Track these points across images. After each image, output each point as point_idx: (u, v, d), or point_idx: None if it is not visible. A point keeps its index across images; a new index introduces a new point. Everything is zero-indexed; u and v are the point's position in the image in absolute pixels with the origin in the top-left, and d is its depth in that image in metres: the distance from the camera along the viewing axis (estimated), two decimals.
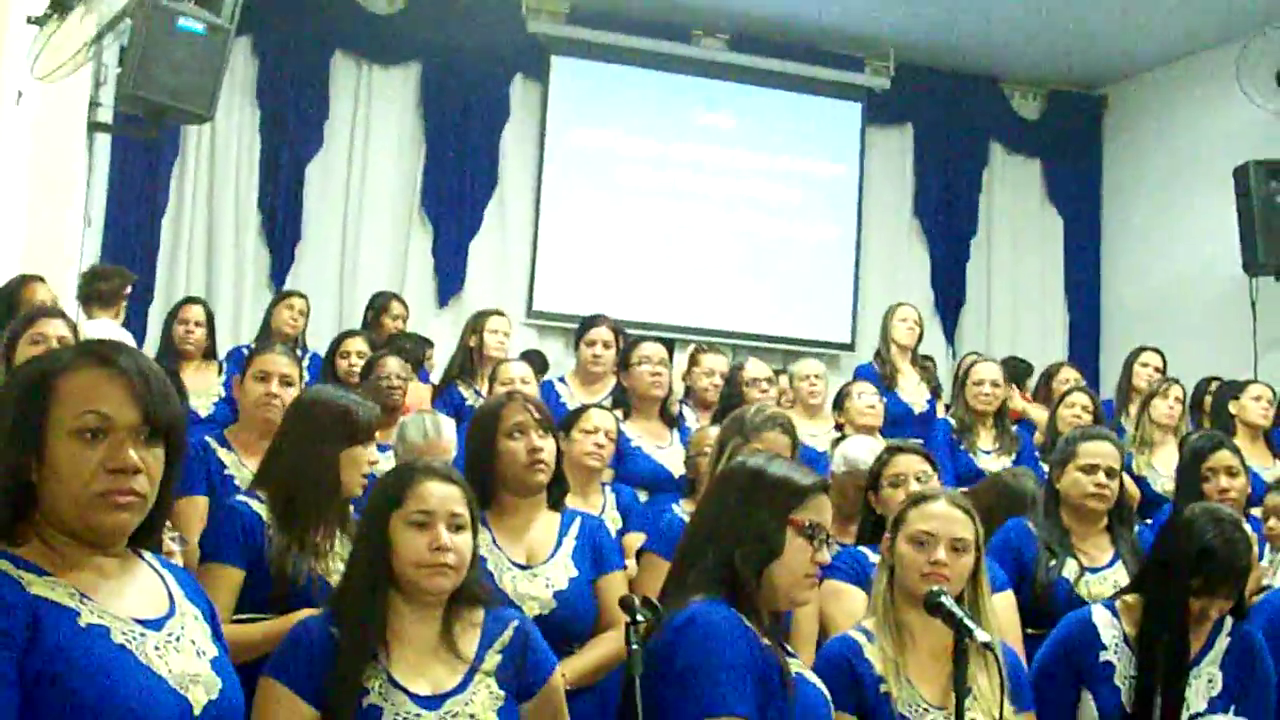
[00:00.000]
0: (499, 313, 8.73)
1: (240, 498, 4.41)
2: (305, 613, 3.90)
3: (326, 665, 3.24)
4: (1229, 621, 4.32)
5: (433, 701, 3.31)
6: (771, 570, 3.41)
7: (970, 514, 3.99)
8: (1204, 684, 4.16)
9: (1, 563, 2.46)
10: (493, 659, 3.43)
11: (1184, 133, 13.18)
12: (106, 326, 7.66)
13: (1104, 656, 4.21)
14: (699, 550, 3.48)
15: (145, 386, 2.54)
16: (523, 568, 4.40)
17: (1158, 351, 9.22)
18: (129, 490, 2.47)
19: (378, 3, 12.27)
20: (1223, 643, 4.25)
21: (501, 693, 3.39)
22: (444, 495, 3.49)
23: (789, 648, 3.56)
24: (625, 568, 4.71)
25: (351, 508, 4.47)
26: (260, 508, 4.32)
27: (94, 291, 8.15)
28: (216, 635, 2.74)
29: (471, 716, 3.33)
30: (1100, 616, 4.30)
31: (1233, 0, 11.70)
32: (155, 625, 2.59)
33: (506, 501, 4.55)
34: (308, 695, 3.23)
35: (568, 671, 3.92)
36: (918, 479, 5.15)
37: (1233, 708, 4.13)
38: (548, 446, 4.55)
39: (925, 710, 3.77)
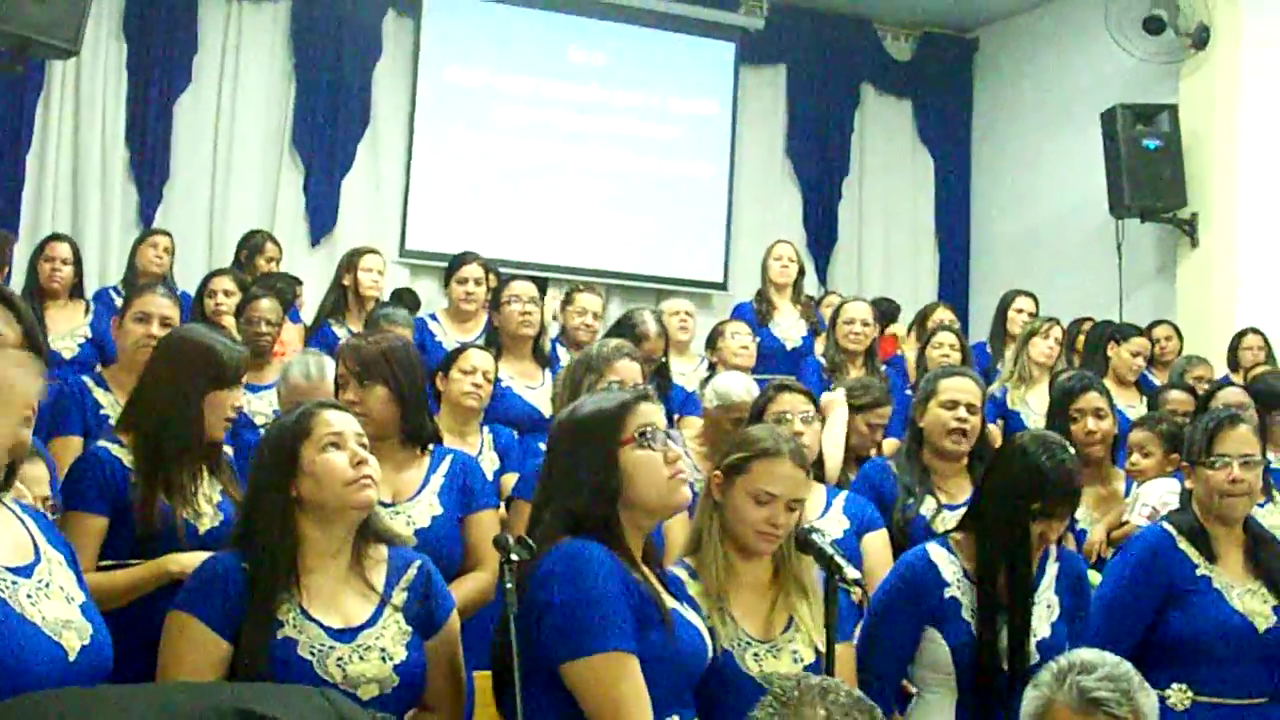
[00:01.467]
0: (373, 251, 8.69)
1: (102, 443, 4.35)
2: (173, 558, 3.89)
3: (239, 599, 3.25)
4: (1054, 549, 4.41)
5: (345, 634, 3.35)
6: (628, 499, 3.44)
7: (808, 469, 4.01)
8: (1044, 609, 4.24)
9: None
10: (400, 595, 3.48)
11: (1053, 76, 13.33)
12: None
13: (948, 593, 4.23)
14: (543, 509, 3.51)
15: (26, 312, 2.52)
16: (386, 505, 4.36)
17: (1031, 296, 9.37)
18: None
19: None
20: (1053, 568, 4.34)
21: (409, 628, 3.43)
22: (348, 421, 3.55)
23: (662, 584, 3.59)
24: (497, 506, 4.72)
25: (227, 450, 4.47)
26: (121, 452, 4.27)
27: None
28: (80, 581, 2.72)
29: (383, 649, 3.38)
30: (938, 554, 4.34)
31: None
32: (25, 572, 2.57)
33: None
34: (221, 629, 3.24)
35: None
36: (802, 418, 5.21)
37: (1067, 629, 4.23)
38: (369, 397, 4.48)
39: (748, 644, 3.80)
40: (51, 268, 8.01)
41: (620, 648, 3.25)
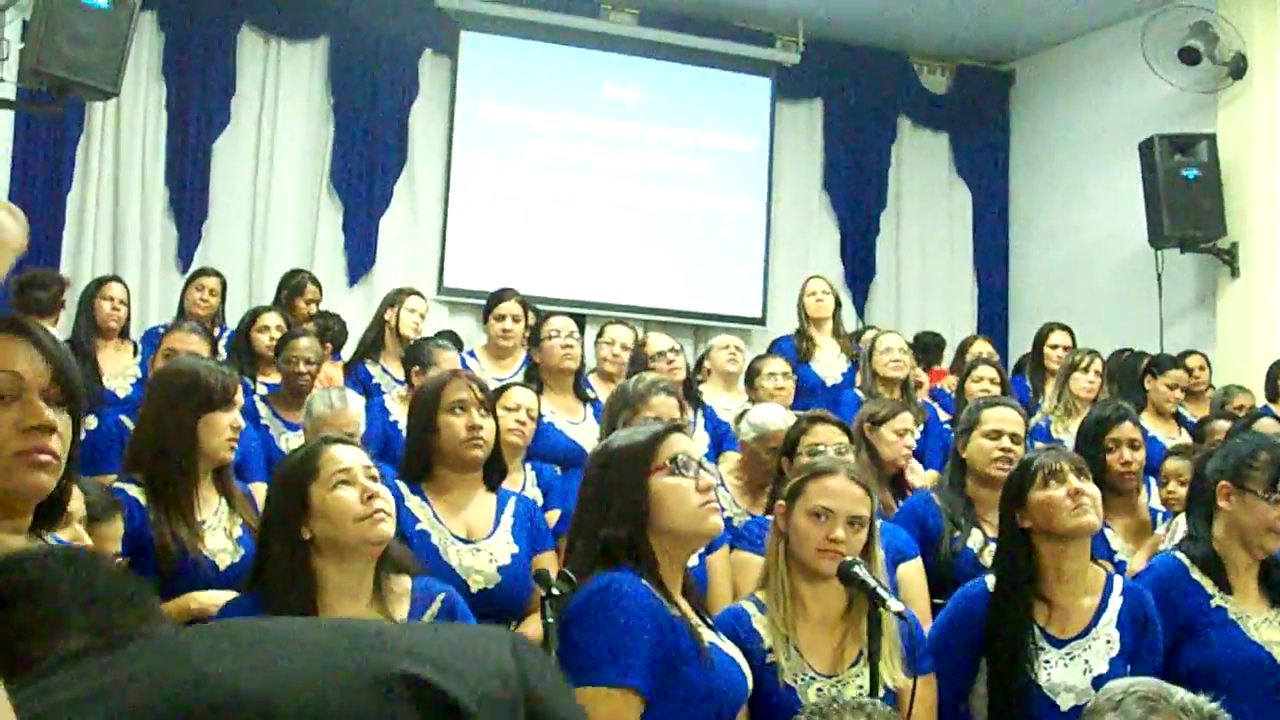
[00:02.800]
0: (417, 292, 8.71)
1: (119, 484, 4.38)
2: (194, 596, 3.90)
3: None
4: (1119, 581, 4.36)
5: None
6: (658, 526, 3.44)
7: (868, 490, 4.01)
8: (1103, 645, 4.17)
9: None
10: None
11: (1090, 108, 13.31)
12: None
13: None
14: (581, 533, 3.51)
15: (55, 350, 2.51)
16: (466, 542, 4.42)
17: (1066, 329, 9.35)
18: (47, 449, 2.44)
19: None
20: (1116, 602, 4.27)
21: None
22: (355, 455, 3.55)
23: (701, 618, 3.58)
24: (557, 547, 4.72)
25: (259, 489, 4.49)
26: (138, 491, 4.30)
27: (31, 300, 7.85)
28: None
29: None
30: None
31: None
32: None
33: (444, 477, 4.60)
34: None
35: None
36: (837, 450, 5.20)
37: (1129, 666, 4.14)
38: (488, 425, 4.59)
39: (813, 679, 3.78)
40: (111, 307, 8.10)
41: (624, 684, 3.23)
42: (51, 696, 1.15)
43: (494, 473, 4.70)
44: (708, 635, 3.48)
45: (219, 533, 4.27)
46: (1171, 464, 6.32)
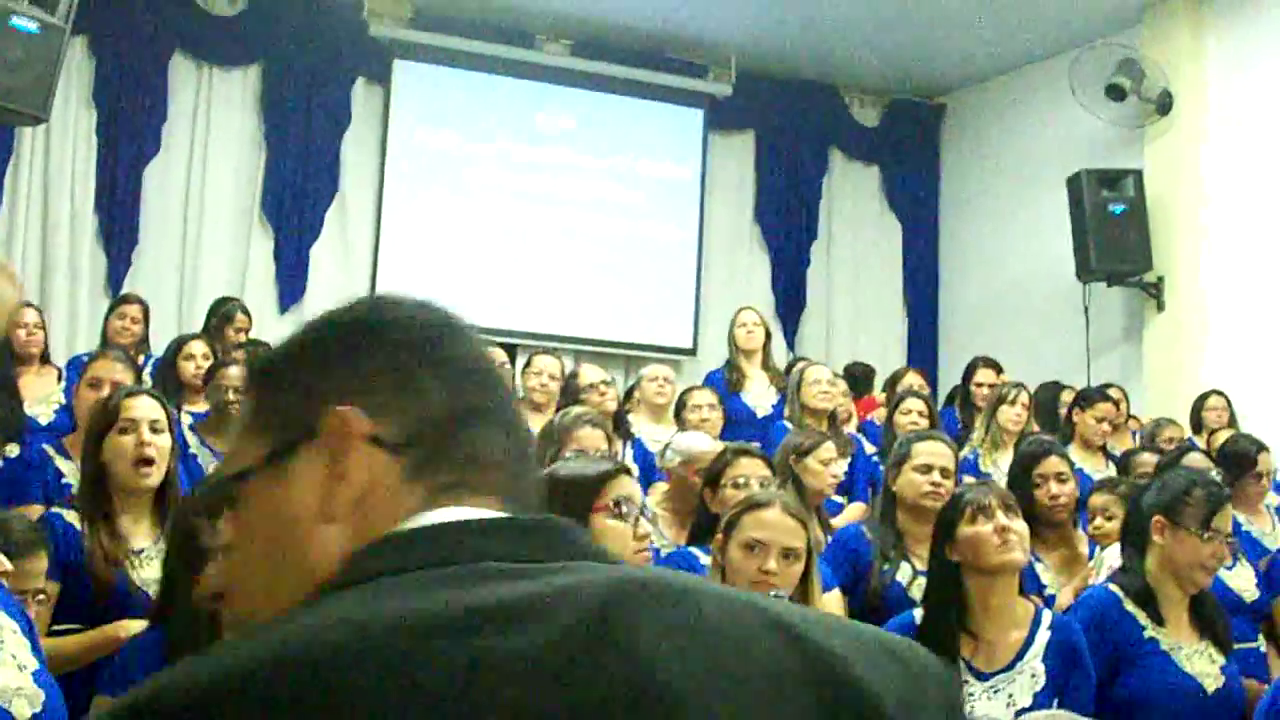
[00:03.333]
0: None
1: (56, 509, 4.37)
2: (124, 624, 3.87)
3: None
4: (1048, 615, 4.39)
5: None
6: None
7: (803, 521, 4.03)
8: (1028, 679, 4.18)
9: None
10: None
11: (1019, 141, 13.44)
12: None
13: None
14: None
15: None
16: None
17: (992, 365, 9.42)
18: None
19: (218, 3, 12.10)
20: (1043, 636, 4.29)
21: None
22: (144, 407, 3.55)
23: None
24: None
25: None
26: (73, 517, 4.31)
27: None
28: (35, 647, 2.70)
29: None
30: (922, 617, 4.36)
31: (1066, 13, 11.95)
32: None
33: None
34: None
35: None
36: (760, 483, 5.21)
37: (1055, 701, 4.16)
38: None
39: None
40: (26, 333, 7.98)
41: None
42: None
43: None
44: None
45: (154, 563, 4.24)
46: (1098, 498, 6.36)
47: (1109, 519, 6.15)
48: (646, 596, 1.15)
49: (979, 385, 9.22)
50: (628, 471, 3.64)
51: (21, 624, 2.71)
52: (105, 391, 5.38)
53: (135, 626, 3.92)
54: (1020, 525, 4.33)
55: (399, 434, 1.27)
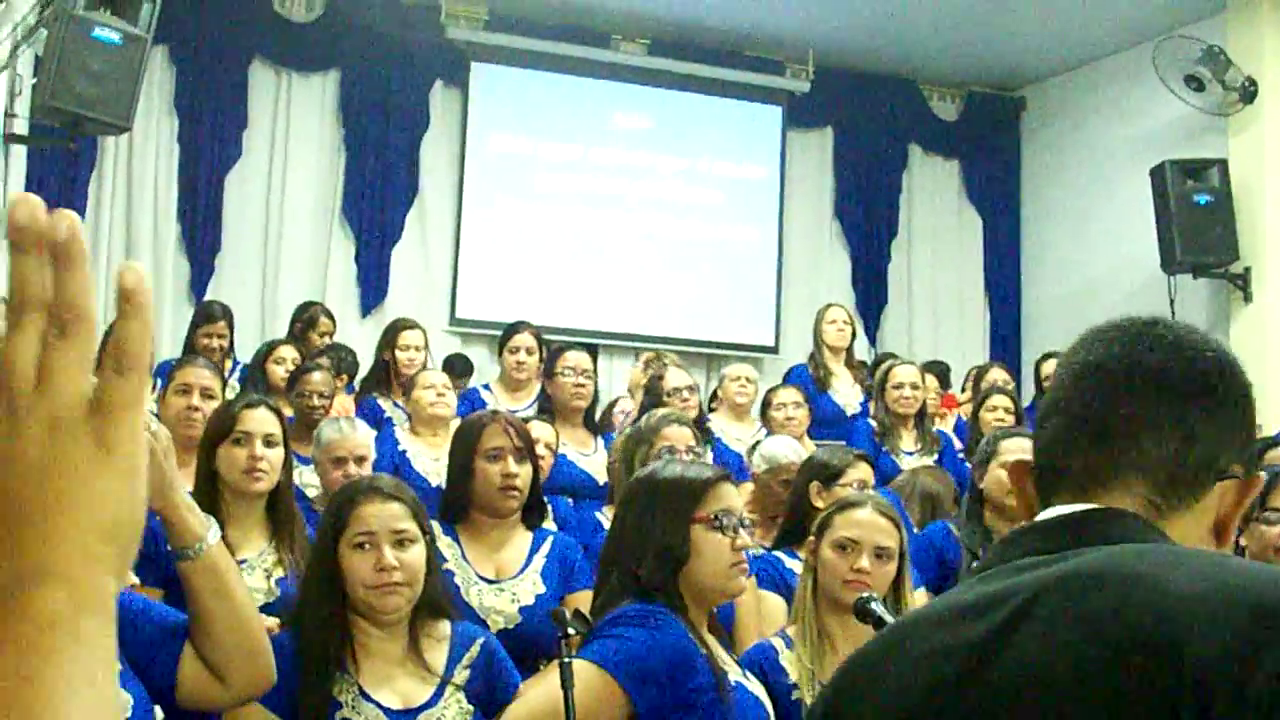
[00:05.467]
0: (410, 325, 8.68)
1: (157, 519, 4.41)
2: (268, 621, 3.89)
3: (294, 679, 3.22)
4: None
5: (405, 715, 3.35)
6: (689, 573, 3.44)
7: (895, 522, 4.02)
8: None
9: None
10: (462, 673, 3.47)
11: (1100, 133, 13.31)
12: None
13: None
14: (611, 568, 3.51)
15: None
16: (490, 582, 4.46)
17: (1058, 356, 9.29)
18: None
19: (296, 10, 12.19)
20: None
21: (470, 706, 3.42)
22: (385, 514, 3.49)
23: (728, 654, 3.58)
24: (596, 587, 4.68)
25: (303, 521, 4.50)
26: None
27: None
28: (120, 650, 2.71)
29: None
30: None
31: (1146, 3, 11.84)
32: None
33: (480, 519, 4.59)
34: (279, 709, 3.24)
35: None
36: (858, 486, 5.21)
37: None
38: (523, 472, 4.59)
39: None
40: None
41: (617, 678, 3.25)
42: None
43: (533, 512, 4.71)
44: (734, 674, 3.48)
45: (258, 573, 4.26)
46: None
47: None
48: (1068, 589, 1.31)
49: (1046, 377, 9.13)
50: (729, 479, 3.62)
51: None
52: (194, 399, 5.45)
53: (273, 623, 3.94)
54: None
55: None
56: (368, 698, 3.32)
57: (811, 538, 4.05)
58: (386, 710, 3.32)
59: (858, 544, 3.90)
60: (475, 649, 3.52)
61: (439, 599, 3.57)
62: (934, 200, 14.28)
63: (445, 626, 3.54)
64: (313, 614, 3.38)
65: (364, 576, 3.39)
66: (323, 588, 3.44)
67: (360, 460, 5.63)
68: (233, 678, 2.88)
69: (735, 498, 3.58)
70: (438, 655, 3.47)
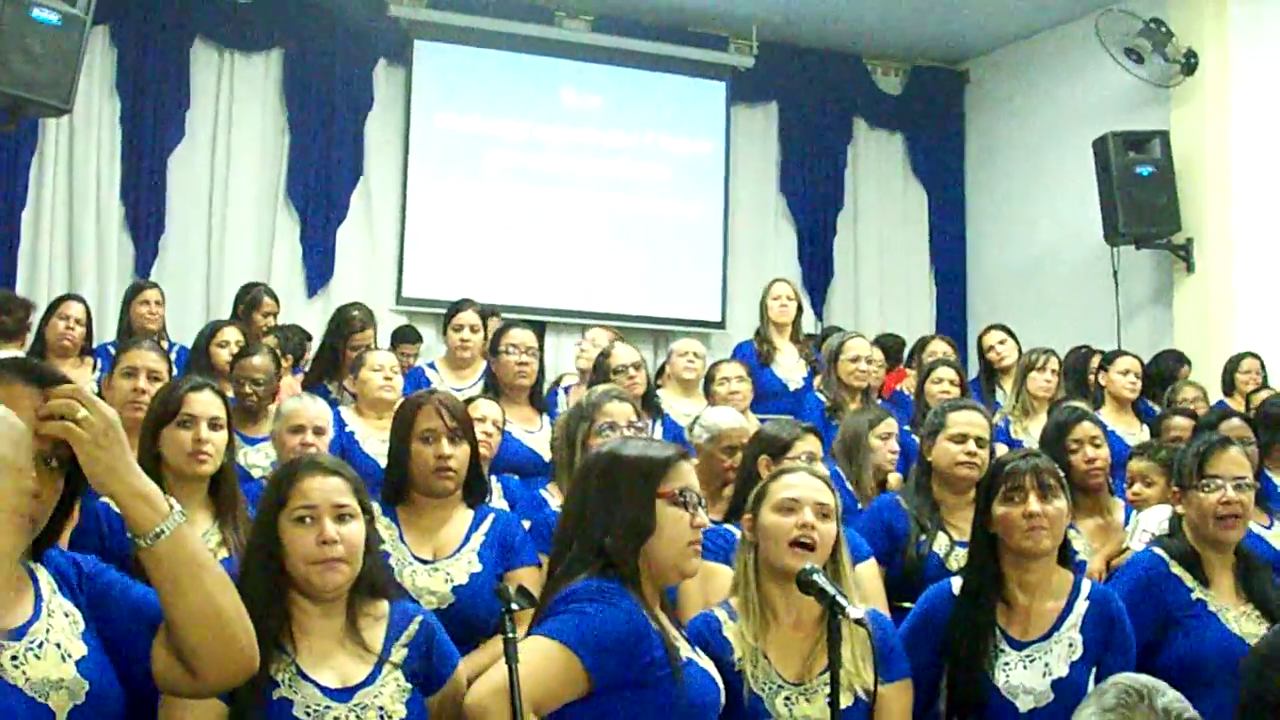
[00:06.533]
0: (364, 324, 8.53)
1: (103, 499, 4.39)
2: None
3: None
4: (1086, 585, 4.35)
5: (342, 694, 3.32)
6: (650, 548, 3.45)
7: (829, 483, 4.04)
8: (1064, 648, 4.16)
9: None
10: (399, 652, 3.44)
11: (1044, 106, 13.38)
12: None
13: None
14: (569, 543, 3.51)
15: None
16: (425, 562, 4.45)
17: (1002, 328, 9.32)
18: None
19: None
20: (1081, 606, 4.25)
21: (409, 685, 3.40)
22: (327, 488, 3.47)
23: (678, 631, 3.59)
24: (540, 564, 4.60)
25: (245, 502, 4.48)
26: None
27: None
28: (95, 630, 2.70)
29: (381, 708, 3.34)
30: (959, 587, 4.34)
31: None
32: (18, 634, 2.54)
33: (419, 500, 4.59)
34: None
35: (466, 668, 3.90)
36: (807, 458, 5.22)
37: (1093, 670, 4.13)
38: (458, 453, 4.58)
39: (780, 687, 3.79)
40: (65, 326, 8.01)
41: (576, 651, 3.26)
42: None
43: (473, 491, 4.70)
44: (685, 650, 3.49)
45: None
46: (1135, 464, 6.30)
47: (1149, 485, 6.12)
48: None
49: (989, 349, 9.16)
50: (688, 457, 3.65)
51: (82, 603, 2.71)
52: (141, 381, 5.42)
53: None
54: (1056, 506, 4.25)
55: None
56: (305, 677, 3.29)
57: (747, 515, 4.03)
58: (324, 689, 3.29)
59: (798, 502, 3.89)
60: (413, 627, 3.50)
61: (377, 577, 3.55)
62: (879, 174, 14.33)
63: (383, 605, 3.51)
64: (252, 590, 3.36)
65: (305, 551, 3.36)
66: (262, 563, 3.40)
67: (318, 431, 5.67)
68: (204, 671, 2.78)
69: (694, 476, 3.60)
70: (375, 634, 3.44)
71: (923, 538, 5.29)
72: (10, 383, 2.53)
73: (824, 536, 3.88)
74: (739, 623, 3.86)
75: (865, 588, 4.90)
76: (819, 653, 3.80)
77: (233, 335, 7.99)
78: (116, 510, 4.21)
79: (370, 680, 3.36)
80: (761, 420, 6.60)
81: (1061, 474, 4.42)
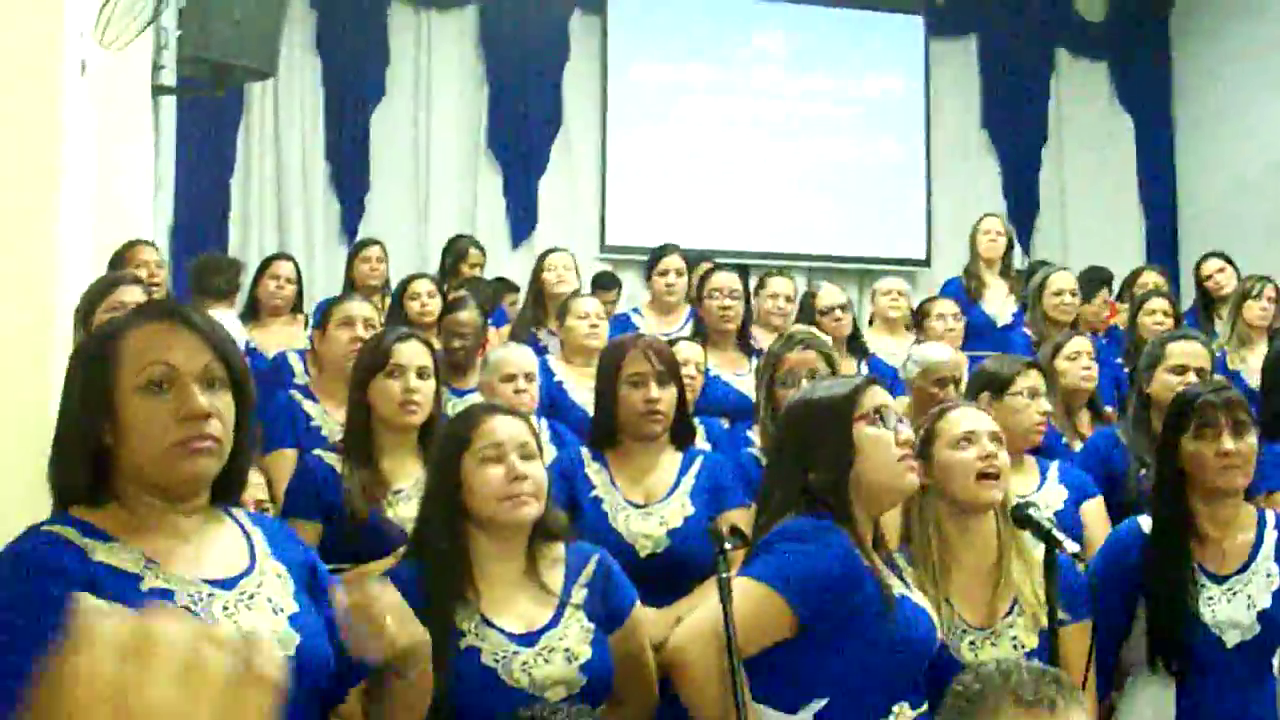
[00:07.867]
0: (555, 250, 8.72)
1: (316, 452, 4.47)
2: (384, 562, 3.91)
3: (419, 612, 3.24)
4: (1271, 516, 4.21)
5: (527, 638, 3.34)
6: (857, 475, 3.42)
7: (990, 418, 3.97)
8: (1263, 579, 4.03)
9: (68, 530, 2.46)
10: (579, 593, 3.46)
11: (1255, 26, 12.95)
12: (225, 319, 7.29)
13: None
14: (775, 485, 3.51)
15: (209, 335, 2.54)
16: (638, 506, 4.47)
17: (1219, 255, 9.09)
18: (204, 435, 2.47)
19: None
20: (1271, 535, 4.12)
21: (591, 625, 3.42)
22: (511, 427, 3.49)
23: (896, 568, 3.57)
24: (749, 505, 4.54)
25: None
26: (333, 459, 4.42)
27: (209, 285, 7.95)
28: (308, 590, 2.72)
29: (567, 650, 3.36)
30: (1149, 524, 4.21)
31: None
32: (228, 585, 2.57)
33: (628, 444, 4.61)
34: None
35: (677, 612, 3.89)
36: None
37: None
38: (665, 396, 4.57)
39: (965, 632, 3.74)
40: (276, 285, 8.17)
41: (784, 594, 3.25)
42: None
43: (681, 434, 4.70)
44: (897, 587, 3.46)
45: (414, 501, 4.28)
46: None
47: None
48: None
49: (1207, 277, 8.95)
50: (878, 381, 3.62)
51: (294, 564, 2.74)
52: (359, 330, 5.48)
53: (376, 568, 3.96)
54: (1249, 443, 4.10)
55: None
56: (489, 623, 3.32)
57: (917, 459, 3.91)
58: (509, 635, 3.32)
59: (974, 433, 3.83)
60: (590, 567, 3.51)
61: (553, 520, 3.57)
62: (1084, 104, 14.02)
63: (559, 548, 3.53)
64: (433, 535, 3.39)
65: (495, 489, 3.37)
66: (445, 506, 3.43)
67: (529, 378, 5.63)
68: None
69: (888, 397, 3.56)
70: (555, 576, 3.46)
71: (1143, 472, 5.17)
72: (175, 326, 2.56)
73: (1003, 465, 3.83)
74: (916, 568, 3.78)
75: (1094, 526, 4.84)
76: (1001, 594, 3.78)
77: (425, 287, 8.04)
78: (329, 461, 4.35)
79: (554, 623, 3.38)
80: (972, 359, 6.52)
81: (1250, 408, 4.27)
